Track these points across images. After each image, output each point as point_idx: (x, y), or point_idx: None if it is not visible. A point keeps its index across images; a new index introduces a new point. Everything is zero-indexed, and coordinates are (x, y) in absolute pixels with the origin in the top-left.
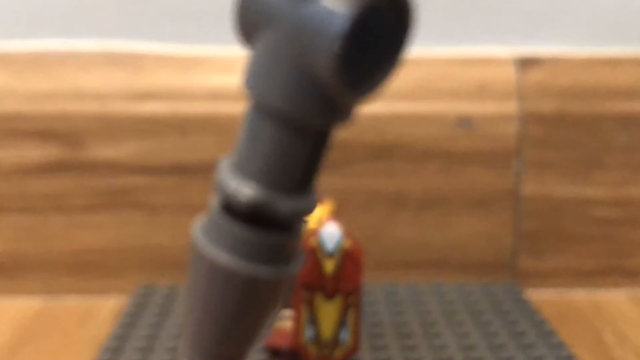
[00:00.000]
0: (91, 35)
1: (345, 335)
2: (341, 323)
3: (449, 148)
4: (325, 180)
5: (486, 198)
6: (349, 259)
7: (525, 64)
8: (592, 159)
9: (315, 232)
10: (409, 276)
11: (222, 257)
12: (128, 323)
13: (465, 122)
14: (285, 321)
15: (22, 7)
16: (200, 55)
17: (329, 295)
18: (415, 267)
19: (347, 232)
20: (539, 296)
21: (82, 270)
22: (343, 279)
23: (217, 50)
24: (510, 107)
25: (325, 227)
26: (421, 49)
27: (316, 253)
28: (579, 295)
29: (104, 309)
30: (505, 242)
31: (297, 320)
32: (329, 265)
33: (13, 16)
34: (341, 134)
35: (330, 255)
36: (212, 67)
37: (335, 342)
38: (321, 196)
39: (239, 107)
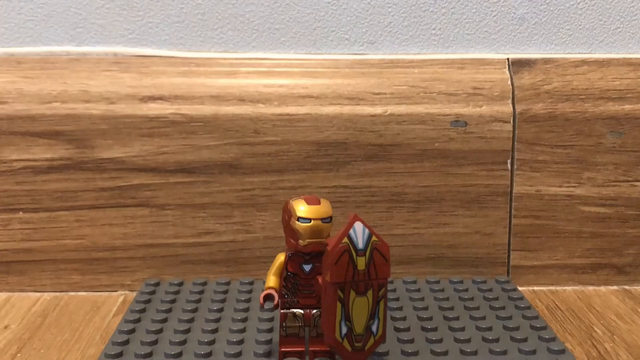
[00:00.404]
0: (99, 41)
1: (376, 327)
2: (372, 315)
3: (445, 148)
4: (325, 179)
5: (481, 196)
6: (377, 253)
7: (518, 66)
8: (583, 159)
9: (344, 233)
10: (406, 272)
11: None
12: (134, 319)
13: (460, 123)
14: (294, 326)
15: (33, 14)
16: (204, 59)
17: (361, 291)
18: (412, 263)
19: (371, 228)
20: (531, 292)
21: (90, 266)
22: (374, 273)
23: (219, 54)
24: (504, 108)
25: (352, 226)
26: (418, 52)
27: (348, 252)
28: (570, 291)
29: (112, 304)
30: (499, 239)
31: (331, 319)
32: (361, 262)
33: (25, 22)
34: (341, 135)
35: (361, 252)
36: (215, 70)
37: (367, 334)
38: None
39: (241, 109)
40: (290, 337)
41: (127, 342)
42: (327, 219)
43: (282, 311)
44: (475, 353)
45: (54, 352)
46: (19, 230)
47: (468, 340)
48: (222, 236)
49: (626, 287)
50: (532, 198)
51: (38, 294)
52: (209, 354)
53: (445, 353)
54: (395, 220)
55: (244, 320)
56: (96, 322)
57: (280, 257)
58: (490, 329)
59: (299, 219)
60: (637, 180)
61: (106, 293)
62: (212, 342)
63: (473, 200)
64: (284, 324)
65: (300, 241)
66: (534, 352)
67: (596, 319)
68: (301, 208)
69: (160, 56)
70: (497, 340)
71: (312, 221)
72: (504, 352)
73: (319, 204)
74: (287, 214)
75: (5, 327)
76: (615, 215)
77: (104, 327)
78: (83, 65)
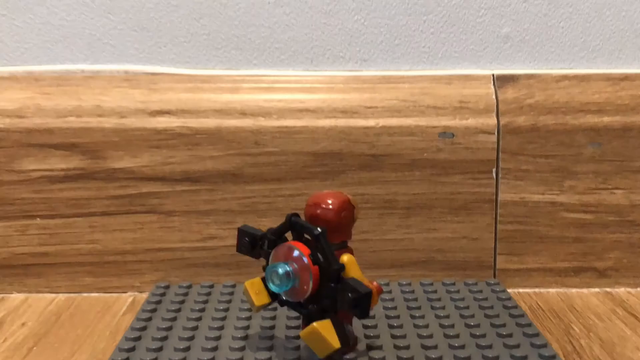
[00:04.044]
0: (111, 60)
1: None
2: None
3: (434, 158)
4: (321, 187)
5: (468, 204)
6: None
7: (503, 81)
8: (565, 168)
9: None
10: (398, 275)
11: None
12: (146, 317)
13: (448, 135)
14: None
15: (50, 35)
16: (208, 76)
17: None
18: (403, 266)
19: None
20: (517, 293)
21: (102, 269)
22: None
23: (223, 72)
24: (489, 121)
25: None
26: (408, 68)
27: None
28: (554, 293)
29: (121, 304)
30: (486, 244)
31: None
32: None
33: (43, 43)
34: (335, 146)
35: None
36: (219, 86)
37: None
38: None
39: (243, 123)
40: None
41: (139, 338)
42: None
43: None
44: (468, 358)
45: (67, 346)
46: (36, 236)
47: (462, 347)
48: (226, 241)
49: (607, 289)
50: (516, 205)
51: (53, 295)
52: (215, 348)
53: (439, 359)
54: (387, 226)
55: (248, 318)
56: (107, 320)
57: (353, 257)
58: (484, 336)
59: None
60: (617, 188)
61: (116, 294)
62: (218, 338)
63: (461, 207)
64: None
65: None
66: (517, 346)
67: (575, 318)
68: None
69: (168, 74)
70: (490, 346)
71: None
72: (496, 358)
73: None
74: (353, 208)
75: (23, 324)
76: (596, 221)
77: (114, 324)
78: (96, 82)
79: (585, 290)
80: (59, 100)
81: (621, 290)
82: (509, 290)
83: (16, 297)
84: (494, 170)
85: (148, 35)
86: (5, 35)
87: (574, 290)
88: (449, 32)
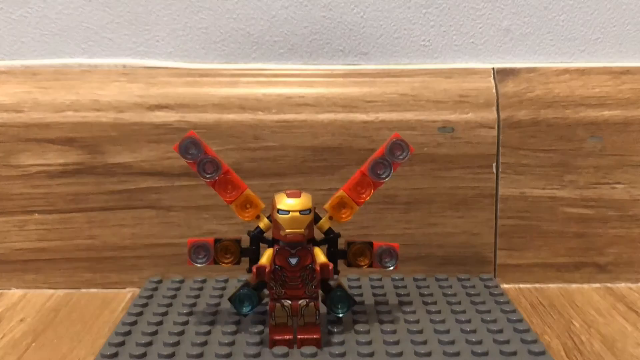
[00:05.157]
0: (109, 54)
1: None
2: None
3: (434, 153)
4: (320, 182)
5: (468, 198)
6: None
7: (503, 75)
8: (565, 162)
9: None
10: (398, 270)
11: None
12: (137, 312)
13: (447, 129)
14: (283, 316)
15: (48, 29)
16: (207, 70)
17: None
18: (403, 262)
19: None
20: (517, 289)
21: (100, 265)
22: None
23: (221, 66)
24: (489, 115)
25: None
26: (408, 62)
27: None
28: (554, 288)
29: (120, 300)
30: (486, 239)
31: None
32: None
33: (40, 37)
34: (335, 141)
35: None
36: (217, 80)
37: None
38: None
39: (242, 117)
40: (279, 327)
41: (129, 332)
42: (306, 211)
43: (271, 302)
44: (457, 354)
45: (65, 342)
46: (34, 231)
47: (452, 342)
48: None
49: (608, 284)
50: (516, 200)
51: (52, 291)
52: (205, 343)
53: (429, 354)
54: (387, 221)
55: (239, 313)
56: (105, 316)
57: (269, 250)
58: (474, 331)
59: (278, 210)
60: (617, 183)
61: (115, 290)
62: (208, 333)
63: (461, 202)
64: (273, 314)
65: (281, 232)
66: (508, 342)
67: (576, 313)
68: (281, 201)
69: (166, 67)
70: (480, 342)
71: (291, 213)
72: (485, 353)
73: (299, 197)
74: (272, 207)
75: (21, 320)
76: (596, 216)
77: (112, 320)
78: (94, 76)
79: (585, 286)
80: (57, 94)
81: (622, 286)
82: (510, 286)
83: (15, 293)
84: (494, 164)
85: (146, 29)
86: (2, 29)
87: (574, 285)
88: (448, 26)
